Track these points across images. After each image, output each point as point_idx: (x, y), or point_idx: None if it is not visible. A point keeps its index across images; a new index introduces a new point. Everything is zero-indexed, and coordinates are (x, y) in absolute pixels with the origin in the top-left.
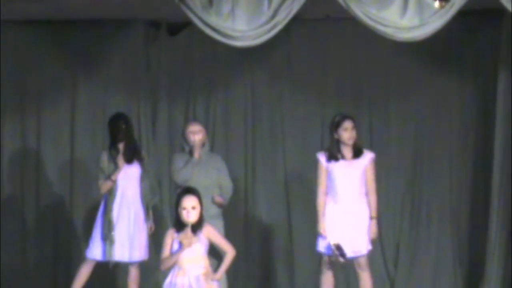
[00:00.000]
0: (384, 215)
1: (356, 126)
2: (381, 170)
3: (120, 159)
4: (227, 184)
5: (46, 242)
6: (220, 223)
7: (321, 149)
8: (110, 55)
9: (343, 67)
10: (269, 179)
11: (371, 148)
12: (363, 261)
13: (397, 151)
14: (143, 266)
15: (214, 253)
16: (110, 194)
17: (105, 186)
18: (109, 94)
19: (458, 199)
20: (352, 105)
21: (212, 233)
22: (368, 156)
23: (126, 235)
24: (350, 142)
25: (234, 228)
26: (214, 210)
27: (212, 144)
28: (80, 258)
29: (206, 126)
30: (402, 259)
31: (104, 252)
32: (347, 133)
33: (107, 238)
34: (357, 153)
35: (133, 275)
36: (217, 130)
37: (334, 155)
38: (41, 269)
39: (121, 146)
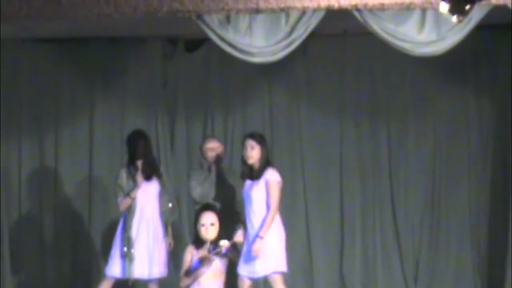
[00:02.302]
0: (403, 231)
1: (260, 145)
2: (399, 185)
3: (139, 177)
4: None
5: (64, 260)
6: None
7: (339, 164)
8: (127, 73)
9: (361, 82)
10: (288, 195)
11: (390, 162)
12: (271, 280)
13: (415, 165)
14: (162, 283)
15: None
16: (129, 211)
17: (124, 204)
18: (127, 111)
19: (477, 214)
20: (370, 120)
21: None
22: (269, 176)
23: (145, 252)
24: (249, 161)
25: None
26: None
27: (230, 160)
28: (99, 275)
29: (224, 143)
30: (422, 275)
31: (124, 269)
32: (245, 152)
33: (126, 255)
34: (257, 173)
35: None
36: (236, 147)
37: (243, 174)
38: (59, 286)
39: (139, 163)
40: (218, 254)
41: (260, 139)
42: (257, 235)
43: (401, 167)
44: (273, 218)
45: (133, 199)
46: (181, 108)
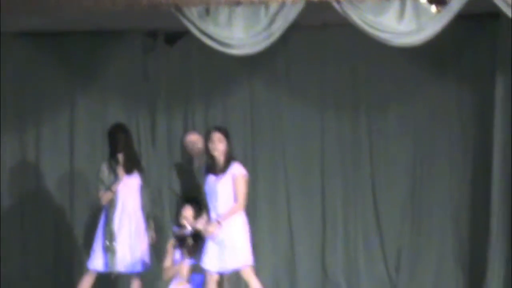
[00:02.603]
0: (385, 222)
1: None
2: (381, 176)
3: (120, 170)
4: None
5: (46, 254)
6: None
7: (320, 155)
8: (108, 66)
9: (341, 74)
10: (270, 186)
11: (371, 153)
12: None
13: (396, 157)
14: (144, 277)
15: None
16: (111, 205)
17: (105, 197)
18: (108, 105)
19: (459, 203)
20: (350, 111)
21: None
22: (235, 170)
23: (127, 245)
24: (215, 153)
25: None
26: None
27: None
28: (81, 269)
29: (205, 136)
30: (404, 264)
31: (106, 263)
32: (212, 144)
33: (109, 249)
34: (223, 167)
35: (135, 285)
36: None
37: (207, 168)
38: (42, 280)
39: (120, 157)
40: (182, 235)
41: (226, 133)
42: (217, 220)
43: (382, 158)
44: (238, 211)
45: (115, 192)
46: (162, 101)
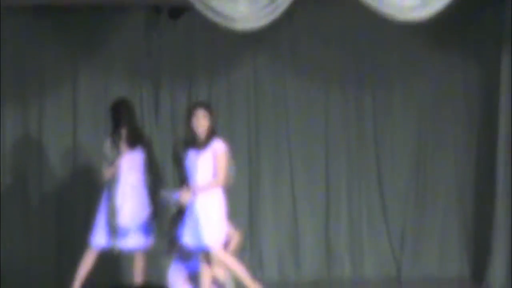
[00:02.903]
0: (389, 199)
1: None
2: (385, 152)
3: (123, 145)
4: (230, 168)
5: (49, 230)
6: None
7: (325, 132)
8: (111, 41)
9: (346, 50)
10: (273, 162)
11: (375, 129)
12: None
13: (401, 132)
14: (148, 252)
15: None
16: (114, 180)
17: (108, 172)
18: (111, 79)
19: (463, 182)
20: (355, 87)
21: None
22: (216, 146)
23: (130, 221)
24: (199, 129)
25: (238, 211)
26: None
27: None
28: (84, 245)
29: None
30: (408, 243)
31: (109, 239)
32: (197, 120)
33: (111, 224)
34: (204, 143)
35: (138, 261)
36: (220, 114)
37: (187, 143)
38: (44, 257)
39: (123, 131)
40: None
41: (210, 109)
42: (192, 189)
43: (387, 134)
44: (217, 185)
45: (117, 167)
46: (165, 76)
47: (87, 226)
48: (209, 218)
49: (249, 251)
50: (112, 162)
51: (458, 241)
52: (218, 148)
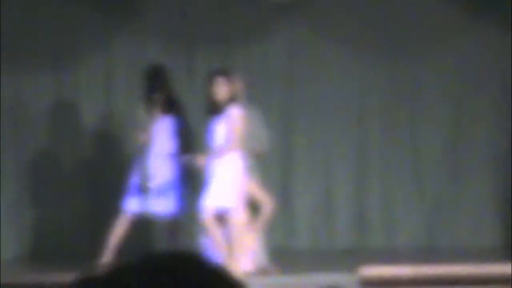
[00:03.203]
0: (423, 168)
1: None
2: (420, 122)
3: (157, 111)
4: (265, 135)
5: (82, 196)
6: (257, 174)
7: (358, 100)
8: (146, 6)
9: (380, 20)
10: (307, 130)
11: (411, 97)
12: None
13: (436, 104)
14: (179, 218)
15: (253, 203)
16: (146, 145)
17: (141, 138)
18: (146, 45)
19: (498, 151)
20: (390, 55)
21: (250, 184)
22: (231, 111)
23: (162, 186)
24: (218, 97)
25: (272, 179)
26: (251, 161)
27: (250, 96)
28: (116, 210)
29: (243, 78)
30: (442, 212)
31: (141, 204)
32: (214, 87)
33: (144, 190)
34: (223, 108)
35: (170, 227)
36: (255, 81)
37: (208, 109)
38: (78, 222)
39: (157, 97)
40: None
41: (229, 76)
42: (207, 154)
43: (422, 103)
44: (229, 150)
45: (151, 133)
46: (200, 42)
47: (120, 191)
48: (215, 182)
49: (281, 219)
50: (146, 127)
51: (492, 210)
52: (232, 113)
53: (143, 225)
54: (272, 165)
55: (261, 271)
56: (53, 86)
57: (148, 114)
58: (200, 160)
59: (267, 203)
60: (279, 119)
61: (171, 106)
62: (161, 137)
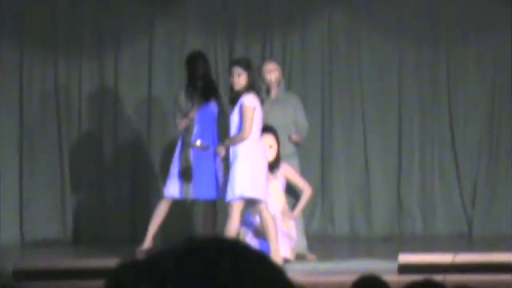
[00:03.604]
0: (462, 155)
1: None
2: (458, 110)
3: (198, 97)
4: (303, 123)
5: (124, 180)
6: (296, 161)
7: (398, 89)
8: None
9: (421, 6)
10: (346, 117)
11: (449, 85)
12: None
13: (475, 90)
14: (219, 204)
15: (291, 191)
16: (188, 132)
17: (182, 124)
18: (187, 32)
19: None
20: (430, 40)
21: (289, 171)
22: (244, 100)
23: (203, 172)
24: (236, 87)
25: (310, 166)
26: (290, 148)
27: (289, 82)
28: (157, 196)
29: (282, 65)
30: (480, 198)
31: (182, 189)
32: (232, 78)
33: (185, 176)
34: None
35: (210, 212)
36: (294, 69)
37: (230, 99)
38: (119, 207)
39: (198, 84)
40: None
41: (247, 65)
42: (222, 143)
43: (461, 90)
44: (241, 139)
45: (192, 119)
46: (240, 29)
47: (161, 177)
48: (234, 171)
49: (320, 206)
50: (186, 114)
51: None
52: (245, 101)
53: (184, 210)
54: (311, 153)
55: (300, 258)
56: (95, 72)
57: (189, 100)
58: (219, 150)
59: (306, 190)
60: (317, 107)
61: (212, 92)
62: (202, 123)
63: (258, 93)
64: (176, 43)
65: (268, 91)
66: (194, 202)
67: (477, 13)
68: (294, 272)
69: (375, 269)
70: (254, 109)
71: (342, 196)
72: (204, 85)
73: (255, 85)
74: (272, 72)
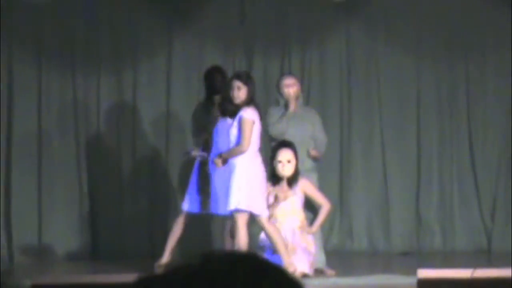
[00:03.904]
0: (481, 168)
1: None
2: (477, 121)
3: (216, 112)
4: (322, 138)
5: (142, 195)
6: (315, 176)
7: (416, 100)
8: (205, 8)
9: (438, 18)
10: (365, 133)
11: (468, 101)
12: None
13: (494, 103)
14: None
15: (310, 206)
16: (206, 146)
17: (201, 138)
18: (204, 47)
19: None
20: (448, 56)
21: (307, 186)
22: (243, 113)
23: (222, 187)
24: (236, 101)
25: (329, 182)
26: (309, 164)
27: (307, 97)
28: (176, 210)
29: (301, 79)
30: (499, 212)
31: (200, 204)
32: (233, 92)
33: (203, 190)
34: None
35: (229, 227)
36: (312, 83)
37: (227, 112)
38: (137, 221)
39: (216, 98)
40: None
41: (247, 80)
42: (220, 154)
43: (480, 103)
44: (240, 152)
45: (210, 134)
46: (258, 44)
47: (179, 191)
48: (231, 184)
49: (339, 221)
50: (205, 128)
51: None
52: (244, 115)
53: (202, 225)
54: (329, 167)
55: (319, 273)
56: (113, 86)
57: (207, 115)
58: (216, 162)
59: (325, 205)
60: (336, 121)
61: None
62: (220, 137)
63: (257, 106)
64: (194, 58)
65: (286, 105)
66: (212, 217)
67: (496, 28)
68: None
69: (394, 284)
70: (253, 122)
71: (360, 211)
72: (221, 99)
73: (255, 99)
74: (290, 87)
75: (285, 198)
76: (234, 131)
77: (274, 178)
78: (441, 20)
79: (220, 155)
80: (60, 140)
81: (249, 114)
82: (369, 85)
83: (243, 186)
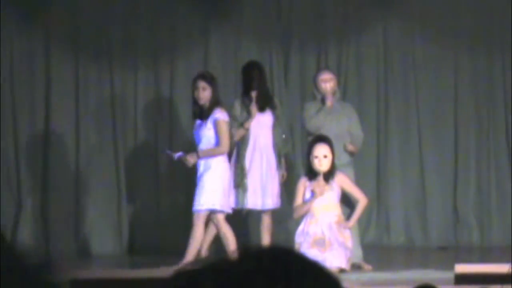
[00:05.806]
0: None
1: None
2: None
3: (253, 107)
4: (358, 132)
5: (179, 191)
6: (351, 171)
7: (454, 96)
8: (242, 3)
9: (476, 13)
10: (402, 127)
11: (505, 94)
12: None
13: None
14: (275, 214)
15: (347, 201)
16: (243, 142)
17: (238, 134)
18: (242, 42)
19: None
20: (485, 50)
21: (344, 181)
22: (217, 115)
23: (258, 182)
24: (200, 102)
25: (366, 176)
26: (345, 158)
27: (344, 92)
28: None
29: (338, 74)
30: None
31: (237, 199)
32: (197, 92)
33: (240, 185)
34: (206, 113)
35: (266, 223)
36: (349, 78)
37: (194, 114)
38: (174, 218)
39: (253, 94)
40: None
41: (211, 80)
42: (196, 152)
43: None
44: (219, 153)
45: (247, 129)
46: (295, 39)
47: None
48: (206, 182)
49: (376, 216)
50: (242, 124)
51: None
52: (218, 116)
53: (239, 220)
54: (366, 162)
55: (356, 268)
56: (150, 83)
57: (245, 110)
58: (189, 159)
59: (362, 200)
60: (373, 116)
61: (267, 102)
62: (258, 133)
63: (222, 106)
64: (230, 54)
65: (323, 100)
66: (249, 212)
67: None
68: (350, 282)
69: (431, 279)
70: (227, 123)
71: (397, 205)
72: (259, 95)
73: (219, 99)
74: (327, 82)
75: (321, 193)
76: (207, 133)
77: (310, 173)
78: (478, 14)
79: (197, 154)
80: (97, 136)
81: (224, 115)
82: (406, 80)
83: (219, 186)
